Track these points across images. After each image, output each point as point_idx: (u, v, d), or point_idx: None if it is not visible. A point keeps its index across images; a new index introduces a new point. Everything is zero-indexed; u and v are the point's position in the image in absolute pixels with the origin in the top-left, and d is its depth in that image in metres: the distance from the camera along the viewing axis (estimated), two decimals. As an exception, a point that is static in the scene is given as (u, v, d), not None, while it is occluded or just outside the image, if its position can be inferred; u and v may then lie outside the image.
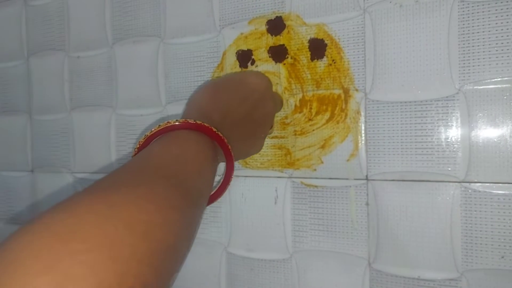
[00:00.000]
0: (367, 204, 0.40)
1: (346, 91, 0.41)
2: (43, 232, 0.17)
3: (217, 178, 0.43)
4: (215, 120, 0.32)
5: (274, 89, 0.43)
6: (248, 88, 0.37)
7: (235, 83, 0.37)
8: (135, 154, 0.29)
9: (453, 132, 0.37)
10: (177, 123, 0.29)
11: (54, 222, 0.17)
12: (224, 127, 0.32)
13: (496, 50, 0.35)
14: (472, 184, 0.36)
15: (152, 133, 0.29)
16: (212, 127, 0.30)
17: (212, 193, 0.34)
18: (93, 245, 0.17)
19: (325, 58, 0.41)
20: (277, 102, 0.41)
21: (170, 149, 0.27)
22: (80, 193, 0.20)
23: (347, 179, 0.41)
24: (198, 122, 0.29)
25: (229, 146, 0.31)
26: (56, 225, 0.17)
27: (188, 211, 0.24)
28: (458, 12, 0.36)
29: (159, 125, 0.29)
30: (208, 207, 0.47)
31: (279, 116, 0.43)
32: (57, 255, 0.16)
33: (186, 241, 0.24)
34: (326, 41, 0.41)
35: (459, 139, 0.37)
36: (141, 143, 0.29)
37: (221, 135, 0.30)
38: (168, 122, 0.29)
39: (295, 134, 0.43)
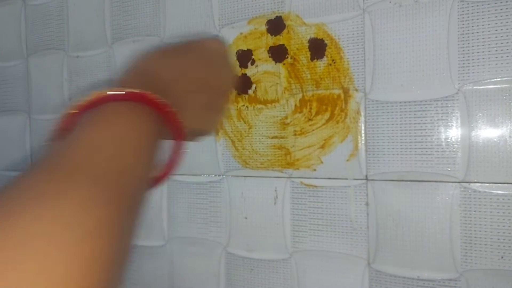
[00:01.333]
0: (366, 204, 0.40)
1: (346, 91, 0.41)
2: None
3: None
4: (164, 79, 0.27)
5: (274, 88, 0.43)
6: (206, 51, 0.31)
7: (191, 45, 0.32)
8: (57, 137, 0.23)
9: (453, 132, 0.37)
10: (111, 93, 0.23)
11: None
12: (176, 93, 0.27)
13: (496, 50, 0.35)
14: (472, 184, 0.36)
15: (78, 108, 0.23)
16: (156, 97, 0.24)
17: (158, 174, 0.27)
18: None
19: (325, 58, 0.41)
20: (232, 72, 0.35)
21: (97, 135, 0.21)
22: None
23: (346, 179, 0.41)
24: (139, 91, 0.23)
25: (175, 114, 0.25)
26: None
27: (119, 220, 0.19)
28: (458, 12, 0.36)
29: (87, 97, 0.23)
30: (208, 207, 0.47)
31: (279, 116, 0.43)
32: None
33: (120, 244, 0.18)
34: (326, 41, 0.41)
35: (458, 139, 0.37)
36: (64, 123, 0.23)
37: (164, 102, 0.24)
38: (97, 93, 0.23)
39: (295, 134, 0.43)
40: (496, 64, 0.35)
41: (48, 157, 0.19)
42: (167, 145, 0.27)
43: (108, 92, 0.23)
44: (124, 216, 0.19)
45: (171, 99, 0.25)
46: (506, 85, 0.35)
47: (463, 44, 0.36)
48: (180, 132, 0.26)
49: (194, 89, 0.29)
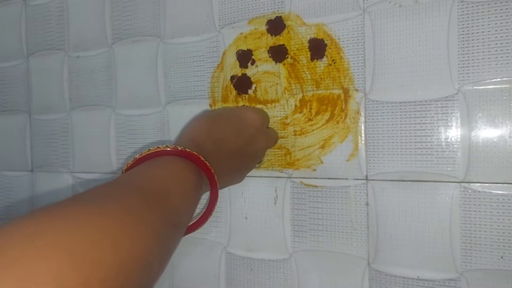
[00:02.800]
0: (366, 204, 0.40)
1: (346, 91, 0.41)
2: (14, 232, 0.18)
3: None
4: (207, 150, 0.33)
5: (274, 88, 0.43)
6: (244, 122, 0.38)
7: (232, 116, 0.38)
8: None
9: (453, 132, 0.37)
10: (167, 149, 0.30)
11: (25, 224, 0.18)
12: (216, 158, 0.33)
13: (496, 50, 0.35)
14: (472, 184, 0.36)
15: (141, 156, 0.30)
16: (201, 156, 0.30)
17: (193, 222, 0.34)
18: (60, 245, 0.17)
19: (325, 58, 0.41)
20: (271, 139, 0.42)
21: (154, 171, 0.28)
22: (58, 203, 0.21)
23: (346, 179, 0.41)
24: (187, 150, 0.30)
25: (215, 177, 0.31)
26: (27, 227, 0.18)
27: (162, 229, 0.24)
28: (458, 12, 0.36)
29: (149, 149, 0.30)
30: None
31: (279, 116, 0.43)
32: (22, 251, 0.16)
33: (158, 257, 0.23)
34: (326, 41, 0.41)
35: (458, 139, 0.37)
36: (129, 165, 0.30)
37: (208, 164, 0.31)
38: (158, 147, 0.30)
39: (295, 134, 0.43)
40: (496, 64, 0.35)
41: (116, 178, 0.27)
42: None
43: (167, 148, 0.30)
44: (163, 229, 0.24)
45: (210, 162, 0.31)
46: (506, 85, 0.35)
47: (463, 44, 0.36)
48: (216, 190, 0.32)
49: (229, 159, 0.35)
